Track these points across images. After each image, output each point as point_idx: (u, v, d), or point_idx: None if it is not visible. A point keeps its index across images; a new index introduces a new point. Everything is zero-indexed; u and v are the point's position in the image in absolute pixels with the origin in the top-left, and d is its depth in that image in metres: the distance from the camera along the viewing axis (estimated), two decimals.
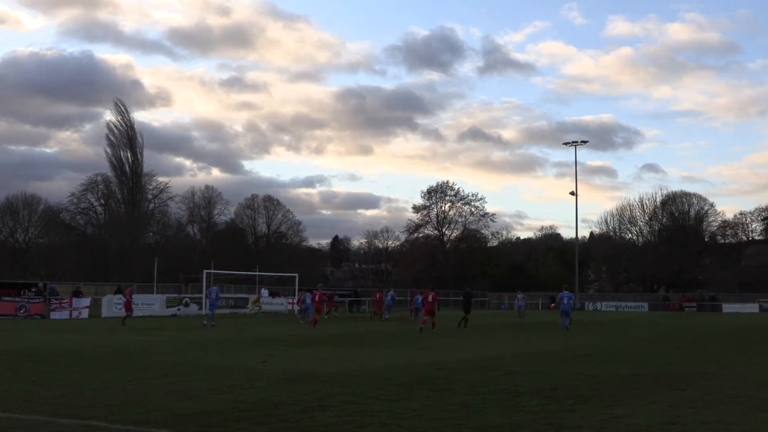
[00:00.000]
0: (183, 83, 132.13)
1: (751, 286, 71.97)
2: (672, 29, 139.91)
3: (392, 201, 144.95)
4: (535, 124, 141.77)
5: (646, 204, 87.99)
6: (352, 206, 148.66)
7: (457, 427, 8.35)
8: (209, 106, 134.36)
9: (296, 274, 50.14)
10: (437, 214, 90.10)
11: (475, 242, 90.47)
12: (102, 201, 77.65)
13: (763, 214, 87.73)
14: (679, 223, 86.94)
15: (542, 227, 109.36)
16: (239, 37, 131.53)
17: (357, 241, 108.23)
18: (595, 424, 8.53)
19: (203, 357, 16.51)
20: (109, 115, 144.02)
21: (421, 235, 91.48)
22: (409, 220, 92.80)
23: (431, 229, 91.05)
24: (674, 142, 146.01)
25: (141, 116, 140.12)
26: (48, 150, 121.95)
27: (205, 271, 44.71)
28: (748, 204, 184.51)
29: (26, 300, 37.06)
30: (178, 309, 41.19)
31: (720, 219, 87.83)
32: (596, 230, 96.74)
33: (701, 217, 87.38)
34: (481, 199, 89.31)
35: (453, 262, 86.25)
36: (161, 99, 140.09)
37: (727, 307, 64.49)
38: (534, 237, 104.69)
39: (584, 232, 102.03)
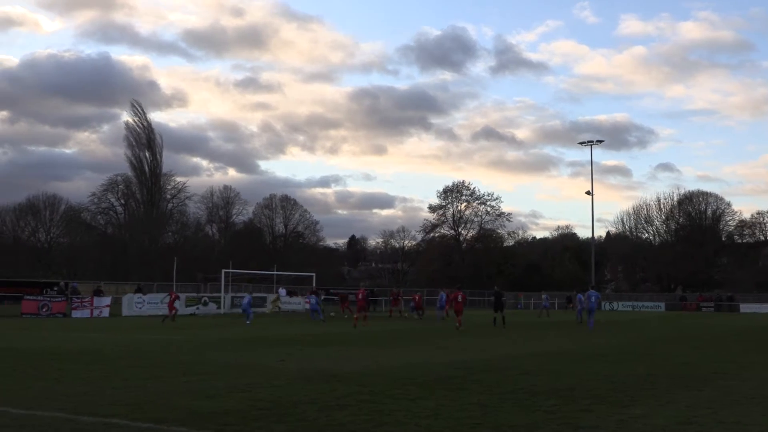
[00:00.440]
0: (198, 84, 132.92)
1: None
2: (685, 28, 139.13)
3: (407, 201, 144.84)
4: (549, 124, 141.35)
5: (663, 203, 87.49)
6: (367, 206, 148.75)
7: (473, 427, 8.32)
8: (225, 106, 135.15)
9: (313, 274, 50.28)
10: (453, 214, 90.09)
11: (491, 242, 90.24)
12: (122, 201, 78.29)
13: None
14: (696, 222, 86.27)
15: (558, 227, 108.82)
16: (253, 38, 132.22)
17: (373, 241, 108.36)
18: (612, 425, 8.48)
19: (221, 356, 16.56)
20: (126, 116, 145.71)
21: (437, 234, 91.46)
22: (425, 219, 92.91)
23: (447, 229, 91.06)
24: (689, 141, 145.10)
25: (157, 117, 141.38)
26: (67, 150, 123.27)
27: (223, 271, 44.99)
28: (765, 203, 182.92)
29: (48, 299, 37.39)
30: (197, 308, 41.40)
31: (737, 219, 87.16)
32: (612, 230, 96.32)
33: (718, 216, 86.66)
34: (496, 198, 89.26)
35: (469, 261, 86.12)
36: (177, 100, 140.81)
37: (745, 307, 63.89)
38: (550, 236, 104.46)
39: (600, 232, 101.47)
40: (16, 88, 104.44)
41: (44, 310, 36.30)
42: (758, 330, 32.14)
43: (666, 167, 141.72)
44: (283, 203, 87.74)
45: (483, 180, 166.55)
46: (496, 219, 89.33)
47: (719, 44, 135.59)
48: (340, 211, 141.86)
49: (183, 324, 30.34)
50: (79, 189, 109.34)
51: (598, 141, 74.86)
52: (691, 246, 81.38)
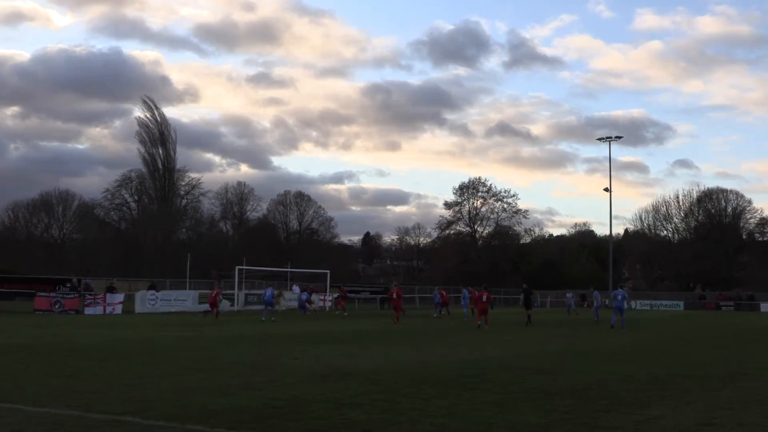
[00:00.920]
0: (211, 79, 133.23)
1: None
2: (702, 22, 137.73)
3: (422, 197, 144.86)
4: (564, 120, 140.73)
5: (682, 200, 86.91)
6: (381, 202, 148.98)
7: (488, 427, 8.31)
8: (237, 101, 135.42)
9: (328, 271, 50.35)
10: (469, 211, 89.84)
11: (507, 239, 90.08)
12: (135, 197, 78.67)
13: None
14: (715, 220, 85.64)
15: (575, 224, 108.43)
16: (265, 33, 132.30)
17: (388, 238, 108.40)
18: (630, 426, 8.44)
19: (235, 353, 16.64)
20: (138, 112, 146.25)
21: (452, 231, 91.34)
22: (440, 216, 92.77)
23: (463, 226, 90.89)
24: (707, 138, 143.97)
25: (170, 112, 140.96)
26: (79, 146, 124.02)
27: (237, 268, 45.12)
28: None
29: (61, 295, 37.62)
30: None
31: (758, 216, 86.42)
32: (630, 227, 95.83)
33: (738, 213, 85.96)
34: (513, 195, 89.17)
35: (485, 258, 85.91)
36: (189, 95, 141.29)
37: (765, 307, 63.35)
38: (567, 234, 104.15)
39: (618, 229, 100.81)
40: (27, 84, 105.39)
41: (57, 306, 36.55)
42: None
43: (684, 164, 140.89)
44: (297, 199, 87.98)
45: (498, 176, 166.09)
46: (512, 216, 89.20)
47: (737, 39, 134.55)
48: (353, 208, 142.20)
49: (196, 321, 30.47)
50: (91, 185, 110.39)
51: (616, 137, 74.33)
52: (711, 244, 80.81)
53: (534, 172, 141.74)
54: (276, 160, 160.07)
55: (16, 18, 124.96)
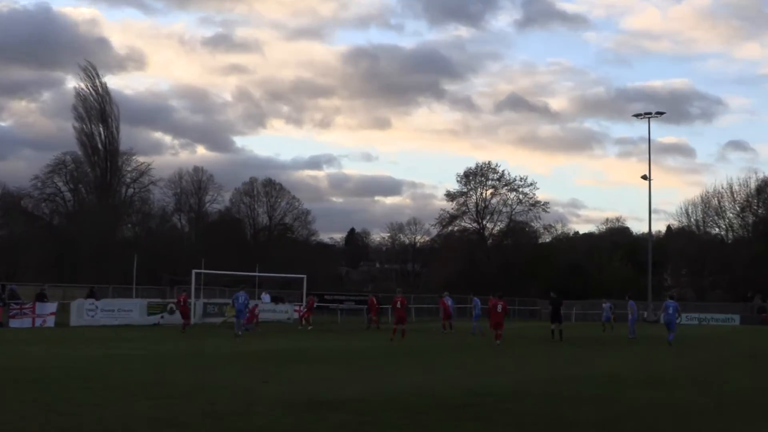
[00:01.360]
0: (159, 42, 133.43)
1: None
2: None
3: (417, 186, 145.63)
4: (591, 92, 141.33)
5: (737, 191, 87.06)
6: (368, 192, 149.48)
7: None
8: (191, 69, 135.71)
9: (304, 276, 50.38)
10: (476, 203, 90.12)
11: (523, 237, 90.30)
12: (70, 185, 78.51)
13: None
14: None
15: (606, 219, 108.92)
16: None
17: (378, 236, 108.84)
18: None
19: (192, 374, 16.69)
20: (72, 81, 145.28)
21: (456, 228, 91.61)
22: (441, 209, 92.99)
23: (469, 221, 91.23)
24: (765, 114, 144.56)
25: (110, 82, 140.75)
26: (1, 123, 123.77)
27: (194, 271, 45.09)
28: None
29: None
30: (161, 317, 41.45)
31: None
32: (674, 223, 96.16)
33: None
34: (531, 184, 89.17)
35: (496, 261, 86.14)
36: (133, 61, 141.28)
37: None
38: (596, 231, 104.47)
39: (658, 226, 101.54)
40: None
41: None
42: None
43: (738, 145, 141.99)
44: (267, 189, 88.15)
45: (511, 161, 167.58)
46: (529, 209, 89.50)
47: None
48: (334, 199, 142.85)
49: (145, 337, 30.49)
50: (17, 171, 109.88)
51: (656, 113, 74.58)
52: None
53: (554, 156, 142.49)
54: (239, 141, 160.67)
55: None
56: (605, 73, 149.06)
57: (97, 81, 77.89)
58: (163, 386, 14.55)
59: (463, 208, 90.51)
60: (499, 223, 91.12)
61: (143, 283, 51.55)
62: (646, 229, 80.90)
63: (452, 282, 77.22)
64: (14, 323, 36.80)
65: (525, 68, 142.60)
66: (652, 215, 71.35)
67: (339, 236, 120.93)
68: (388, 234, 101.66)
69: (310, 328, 39.38)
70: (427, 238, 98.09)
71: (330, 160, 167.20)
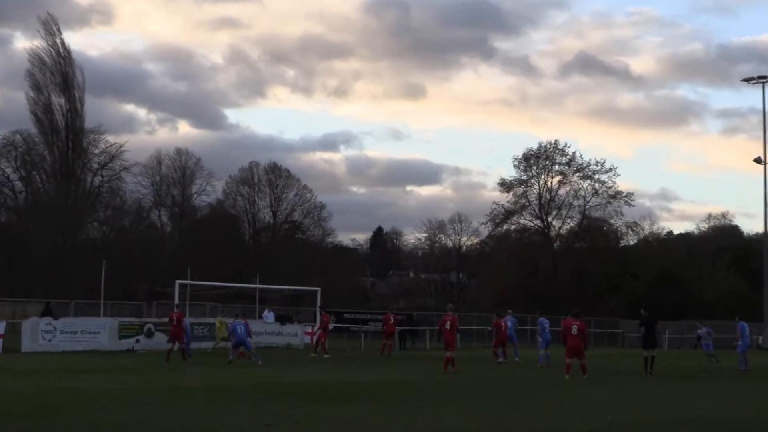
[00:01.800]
0: None
1: None
2: None
3: (461, 172, 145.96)
4: (684, 49, 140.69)
5: None
6: (397, 181, 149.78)
7: None
8: (171, 24, 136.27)
9: (318, 288, 50.10)
10: (539, 194, 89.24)
11: (600, 238, 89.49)
12: (21, 172, 78.53)
13: None
14: None
15: (708, 215, 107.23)
16: None
17: (412, 237, 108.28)
18: None
19: (176, 415, 16.70)
20: (20, 40, 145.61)
21: (513, 227, 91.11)
22: (493, 203, 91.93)
23: (530, 218, 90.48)
24: None
25: (69, 40, 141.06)
26: None
27: (178, 282, 44.92)
28: None
29: None
30: (137, 341, 41.31)
31: None
32: None
33: None
34: (609, 170, 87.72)
35: (565, 269, 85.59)
36: (98, 14, 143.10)
37: None
38: (695, 231, 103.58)
39: None
40: None
41: None
42: None
43: None
44: (269, 176, 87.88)
45: (581, 140, 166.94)
46: (608, 203, 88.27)
47: None
48: (355, 189, 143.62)
49: (117, 367, 30.38)
50: None
51: None
52: None
53: (638, 133, 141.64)
54: (233, 115, 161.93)
55: None
56: (703, 24, 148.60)
57: (56, 39, 77.27)
58: (138, 430, 14.21)
59: (522, 201, 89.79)
60: (568, 221, 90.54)
61: (114, 298, 51.41)
62: (760, 228, 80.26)
63: (508, 296, 76.85)
64: None
65: (598, 19, 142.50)
66: None
67: (362, 237, 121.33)
68: (425, 235, 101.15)
69: (326, 356, 39.01)
70: (476, 240, 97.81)
71: (348, 139, 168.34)
